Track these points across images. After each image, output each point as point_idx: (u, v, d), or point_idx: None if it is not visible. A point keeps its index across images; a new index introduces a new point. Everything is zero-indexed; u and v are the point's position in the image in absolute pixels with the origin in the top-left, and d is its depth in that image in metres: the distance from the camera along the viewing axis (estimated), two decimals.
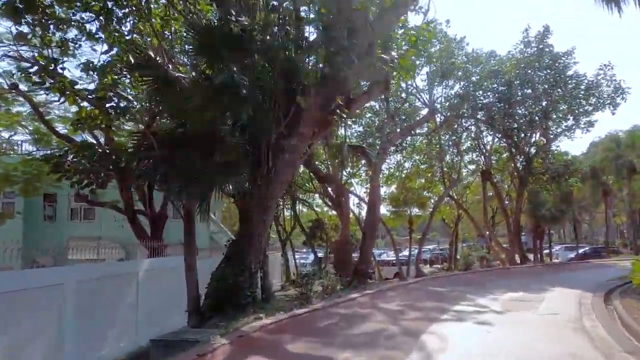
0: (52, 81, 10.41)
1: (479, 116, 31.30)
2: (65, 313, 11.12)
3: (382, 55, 11.96)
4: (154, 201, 20.42)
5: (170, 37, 13.95)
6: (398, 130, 27.17)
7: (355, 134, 29.52)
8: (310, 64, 12.82)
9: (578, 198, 39.96)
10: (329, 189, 28.00)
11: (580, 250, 40.85)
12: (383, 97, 27.05)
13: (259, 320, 10.56)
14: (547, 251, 41.39)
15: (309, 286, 13.13)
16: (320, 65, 12.67)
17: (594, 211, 57.14)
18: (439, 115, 31.44)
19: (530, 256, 34.97)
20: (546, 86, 30.08)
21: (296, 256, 49.22)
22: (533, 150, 32.16)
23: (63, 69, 11.22)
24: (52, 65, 10.68)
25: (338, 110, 12.99)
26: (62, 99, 11.16)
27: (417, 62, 28.90)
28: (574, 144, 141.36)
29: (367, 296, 14.99)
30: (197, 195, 12.00)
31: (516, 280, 20.01)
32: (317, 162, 29.09)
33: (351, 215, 35.46)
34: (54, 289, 10.95)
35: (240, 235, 12.95)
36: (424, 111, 29.17)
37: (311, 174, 29.18)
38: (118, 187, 18.60)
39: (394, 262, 35.28)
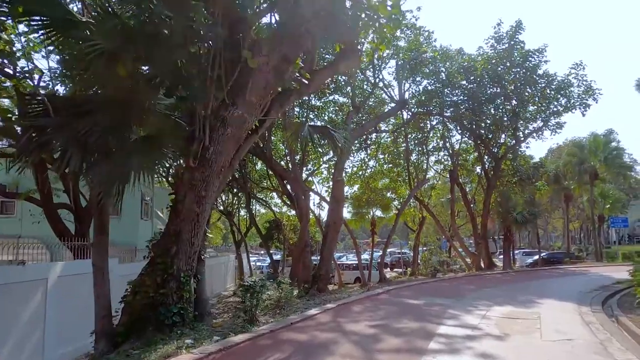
0: None
1: (447, 114, 28.72)
2: None
3: None
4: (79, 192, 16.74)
5: None
6: (364, 121, 24.24)
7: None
8: (263, 8, 9.50)
9: (538, 203, 38.03)
10: (288, 186, 24.79)
11: (539, 256, 38.85)
12: (350, 86, 24.27)
13: (179, 354, 7.17)
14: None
15: (255, 301, 9.72)
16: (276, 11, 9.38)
17: (548, 217, 55.97)
18: (407, 110, 28.77)
19: (497, 262, 32.74)
20: (517, 84, 27.70)
21: (254, 258, 45.83)
22: (502, 151, 29.75)
23: None
24: None
25: (298, 75, 9.77)
26: None
27: (385, 54, 26.38)
28: (533, 150, 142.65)
29: (328, 312, 11.72)
30: (108, 179, 8.51)
31: (495, 290, 17.23)
32: (276, 158, 25.99)
33: (311, 215, 32.62)
34: None
35: (167, 234, 9.51)
36: (392, 105, 26.34)
37: (269, 169, 25.93)
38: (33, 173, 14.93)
39: (354, 265, 32.56)
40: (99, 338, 9.35)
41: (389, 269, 48.30)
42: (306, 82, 9.80)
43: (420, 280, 22.54)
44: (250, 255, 49.01)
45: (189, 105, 9.21)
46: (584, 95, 27.63)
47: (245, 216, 34.30)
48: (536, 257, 38.84)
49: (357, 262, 36.76)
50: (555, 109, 28.36)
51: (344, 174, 30.19)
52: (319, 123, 27.18)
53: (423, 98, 27.98)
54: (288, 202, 26.19)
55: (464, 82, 27.85)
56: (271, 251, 39.99)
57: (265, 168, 27.49)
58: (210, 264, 28.95)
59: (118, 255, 17.88)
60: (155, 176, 10.20)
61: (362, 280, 27.68)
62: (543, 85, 27.91)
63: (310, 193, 29.72)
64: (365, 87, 26.07)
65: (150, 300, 9.18)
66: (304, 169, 27.81)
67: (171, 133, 9.53)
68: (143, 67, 8.83)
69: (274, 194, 30.74)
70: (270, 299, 11.63)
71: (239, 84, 9.32)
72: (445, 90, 27.64)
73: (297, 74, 9.76)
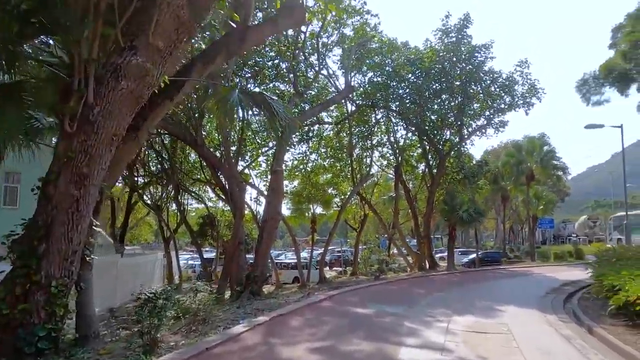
0: None
1: (392, 107, 26.86)
2: None
3: None
4: None
5: None
6: (307, 108, 21.84)
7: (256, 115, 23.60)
8: None
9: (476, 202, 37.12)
10: (222, 177, 21.92)
11: (473, 255, 38.00)
12: (293, 71, 21.78)
13: None
14: (439, 255, 38.24)
15: (156, 320, 6.94)
16: None
17: (484, 217, 55.89)
18: (352, 102, 26.68)
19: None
20: (463, 80, 26.22)
21: (187, 257, 42.17)
22: (446, 148, 28.21)
23: None
24: None
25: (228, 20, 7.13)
26: None
27: (330, 40, 24.22)
28: (473, 150, 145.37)
29: (259, 329, 9.08)
30: None
31: (447, 295, 15.27)
32: (210, 148, 23.10)
33: (248, 211, 29.81)
34: None
35: (33, 227, 6.60)
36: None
37: (201, 159, 22.93)
38: None
39: (293, 265, 30.25)
40: None
41: (328, 268, 46.33)
42: (234, 25, 7.15)
43: (364, 282, 20.37)
44: (184, 253, 45.38)
45: (64, 43, 6.32)
46: (527, 94, 26.65)
47: (176, 211, 30.89)
48: (472, 256, 38.01)
49: (296, 260, 34.49)
50: (499, 107, 27.23)
51: (283, 166, 27.73)
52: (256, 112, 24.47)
53: (368, 89, 26.07)
54: (222, 196, 23.25)
55: (410, 76, 26.13)
56: (206, 249, 36.71)
57: (199, 158, 24.45)
58: (137, 262, 25.62)
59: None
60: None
61: (300, 281, 25.54)
62: (488, 82, 26.67)
63: (248, 187, 27.04)
64: (309, 74, 23.68)
65: (4, 319, 6.29)
66: (240, 159, 25.09)
67: (41, 83, 6.65)
68: None
69: (209, 187, 27.63)
70: (186, 312, 8.87)
71: (139, 20, 6.57)
72: (392, 82, 25.80)
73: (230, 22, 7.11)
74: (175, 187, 24.21)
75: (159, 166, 26.13)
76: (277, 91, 24.19)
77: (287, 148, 20.47)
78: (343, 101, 27.13)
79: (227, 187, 21.16)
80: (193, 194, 30.06)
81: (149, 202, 30.08)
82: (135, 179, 27.26)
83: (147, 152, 25.88)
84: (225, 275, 21.41)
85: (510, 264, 33.89)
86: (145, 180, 28.62)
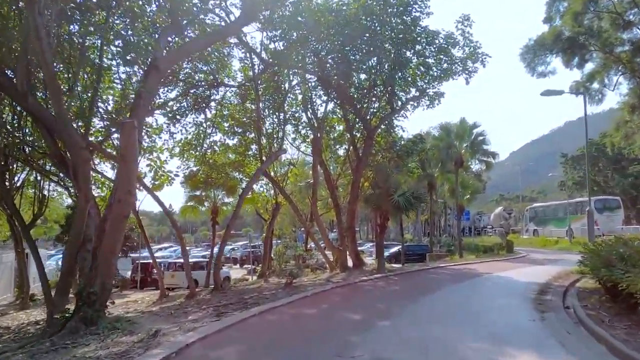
0: None
1: (310, 69, 20.43)
2: None
3: None
4: None
5: None
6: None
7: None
8: None
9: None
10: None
11: (394, 249, 32.70)
12: None
13: None
14: (360, 248, 32.60)
15: None
16: None
17: None
18: (261, 63, 19.99)
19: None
20: (393, 42, 20.27)
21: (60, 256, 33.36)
22: (374, 121, 22.09)
23: None
24: None
25: None
26: None
27: None
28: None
29: None
30: None
31: (401, 326, 8.59)
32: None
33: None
34: None
35: None
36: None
37: (27, 115, 14.88)
38: None
39: (192, 264, 23.29)
40: None
41: (238, 265, 39.50)
42: None
43: (271, 291, 13.75)
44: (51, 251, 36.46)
45: None
46: (468, 59, 21.22)
47: (36, 199, 22.12)
48: (393, 249, 32.87)
49: (200, 258, 28.14)
50: (436, 74, 21.62)
51: (170, 141, 20.31)
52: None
53: (281, 45, 19.51)
54: (62, 172, 15.38)
55: (332, 31, 19.72)
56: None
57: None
58: None
59: None
60: None
61: (190, 288, 18.90)
62: (424, 43, 20.92)
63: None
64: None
65: None
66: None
67: None
68: None
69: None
70: None
71: None
72: (310, 37, 19.36)
73: None
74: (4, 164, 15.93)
75: None
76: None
77: (153, 91, 13.01)
78: (248, 60, 20.46)
79: (68, 158, 13.53)
80: (54, 176, 21.27)
81: None
82: None
83: None
84: (62, 289, 13.88)
85: (438, 258, 28.86)
86: None
